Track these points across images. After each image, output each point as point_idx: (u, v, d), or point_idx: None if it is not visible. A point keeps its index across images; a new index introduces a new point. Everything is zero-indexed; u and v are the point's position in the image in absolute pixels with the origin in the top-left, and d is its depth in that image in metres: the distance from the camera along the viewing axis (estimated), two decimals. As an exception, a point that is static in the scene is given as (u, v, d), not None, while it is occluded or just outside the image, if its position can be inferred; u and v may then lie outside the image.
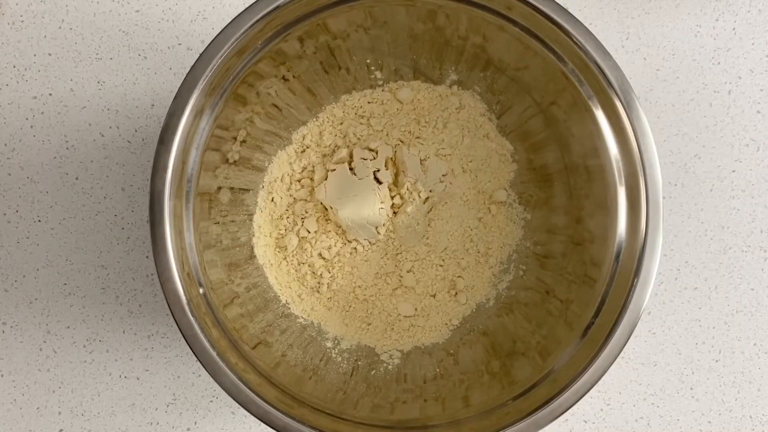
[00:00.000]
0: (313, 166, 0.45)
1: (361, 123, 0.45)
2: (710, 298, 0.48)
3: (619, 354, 0.35)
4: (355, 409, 0.39)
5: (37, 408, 0.47)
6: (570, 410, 0.35)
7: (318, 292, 0.45)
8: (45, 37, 0.47)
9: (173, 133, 0.35)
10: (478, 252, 0.45)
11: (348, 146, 0.45)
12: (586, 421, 0.47)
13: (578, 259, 0.41)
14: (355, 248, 0.45)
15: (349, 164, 0.44)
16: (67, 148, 0.47)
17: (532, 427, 0.35)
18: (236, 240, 0.43)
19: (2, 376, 0.47)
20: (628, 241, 0.37)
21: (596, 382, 0.35)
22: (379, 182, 0.44)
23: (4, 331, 0.47)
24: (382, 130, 0.45)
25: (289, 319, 0.44)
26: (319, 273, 0.44)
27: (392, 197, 0.45)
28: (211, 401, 0.47)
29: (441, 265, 0.45)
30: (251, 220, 0.44)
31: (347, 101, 0.45)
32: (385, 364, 0.44)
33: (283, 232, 0.44)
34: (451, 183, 0.45)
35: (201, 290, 0.37)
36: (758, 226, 0.48)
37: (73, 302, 0.47)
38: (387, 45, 0.43)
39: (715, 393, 0.47)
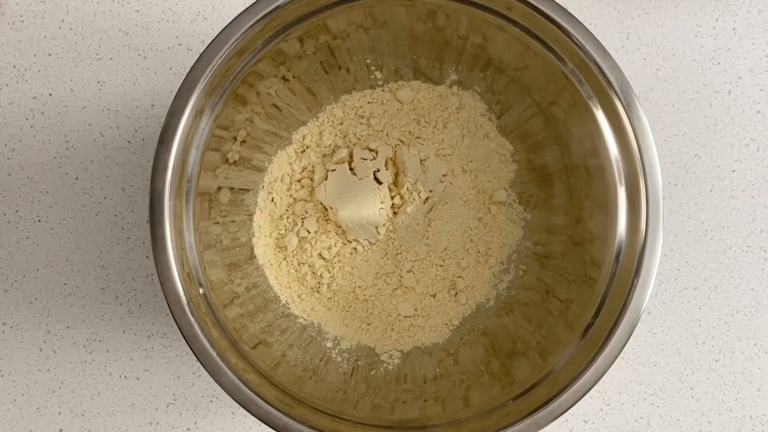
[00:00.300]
0: (313, 166, 0.45)
1: (361, 123, 0.45)
2: (710, 298, 0.48)
3: (619, 354, 0.35)
4: (355, 409, 0.39)
5: (37, 408, 0.47)
6: (570, 410, 0.35)
7: (318, 292, 0.45)
8: (45, 37, 0.47)
9: (173, 133, 0.35)
10: (478, 252, 0.45)
11: (348, 146, 0.45)
12: (586, 421, 0.47)
13: (578, 259, 0.41)
14: (355, 248, 0.45)
15: (349, 164, 0.44)
16: (67, 148, 0.47)
17: (532, 427, 0.35)
18: (236, 240, 0.43)
19: (2, 376, 0.47)
20: (628, 241, 0.37)
21: (596, 382, 0.35)
22: (379, 182, 0.44)
23: (4, 331, 0.47)
24: (382, 130, 0.45)
25: (289, 319, 0.44)
26: (319, 273, 0.44)
27: (392, 197, 0.45)
28: (211, 401, 0.47)
29: (441, 265, 0.45)
30: (251, 220, 0.44)
31: (347, 101, 0.45)
32: (385, 364, 0.44)
33: (283, 232, 0.44)
34: (451, 183, 0.45)
35: (201, 290, 0.37)
36: (758, 226, 0.48)
37: (73, 302, 0.47)
38: (387, 45, 0.43)
39: (715, 393, 0.47)
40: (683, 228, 0.48)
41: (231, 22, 0.35)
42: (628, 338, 0.36)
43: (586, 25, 0.36)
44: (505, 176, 0.45)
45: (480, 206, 0.45)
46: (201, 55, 0.35)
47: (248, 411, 0.35)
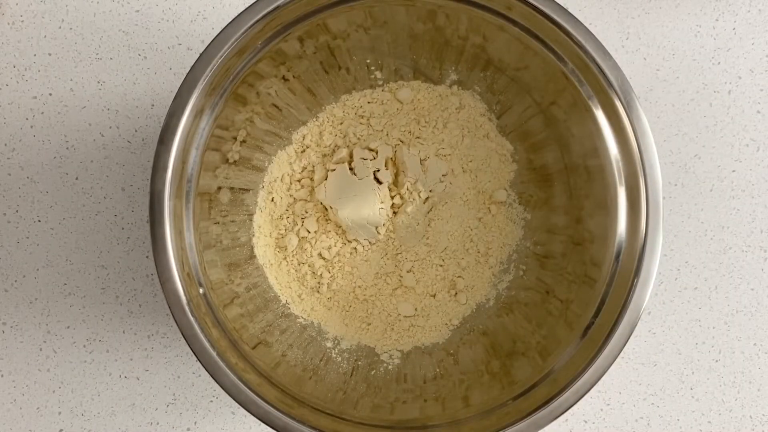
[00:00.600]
0: (313, 166, 0.45)
1: (361, 123, 0.45)
2: (710, 298, 0.48)
3: (619, 354, 0.35)
4: (355, 409, 0.39)
5: (37, 408, 0.47)
6: (570, 410, 0.35)
7: (318, 292, 0.45)
8: (45, 37, 0.47)
9: (173, 133, 0.35)
10: (478, 252, 0.45)
11: (348, 146, 0.45)
12: (586, 421, 0.47)
13: (578, 259, 0.41)
14: (355, 248, 0.45)
15: (349, 164, 0.44)
16: (67, 148, 0.47)
17: (532, 427, 0.35)
18: (236, 240, 0.43)
19: (2, 376, 0.47)
20: (628, 241, 0.37)
21: (596, 382, 0.35)
22: (379, 182, 0.44)
23: (4, 331, 0.47)
24: (382, 130, 0.45)
25: (289, 319, 0.44)
26: (319, 273, 0.44)
27: (392, 197, 0.45)
28: (211, 401, 0.47)
29: (441, 265, 0.45)
30: (251, 220, 0.44)
31: (347, 101, 0.45)
32: (385, 364, 0.44)
33: (283, 232, 0.44)
34: (451, 183, 0.45)
35: (201, 290, 0.37)
36: (758, 226, 0.48)
37: (73, 302, 0.47)
38: (387, 45, 0.43)
39: (715, 393, 0.47)
40: (683, 228, 0.48)
41: (231, 22, 0.35)
42: (628, 338, 0.36)
43: (586, 25, 0.36)
44: (505, 176, 0.45)
45: (480, 206, 0.45)
46: (201, 55, 0.35)
47: (248, 411, 0.35)
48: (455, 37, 0.41)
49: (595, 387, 0.35)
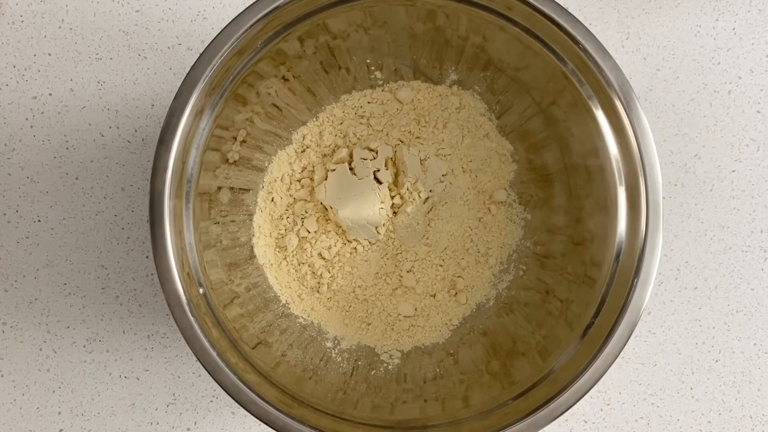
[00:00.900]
0: (313, 166, 0.45)
1: (361, 123, 0.45)
2: (710, 298, 0.48)
3: (619, 354, 0.35)
4: (355, 409, 0.39)
5: (37, 408, 0.47)
6: (570, 410, 0.35)
7: (318, 292, 0.45)
8: (45, 37, 0.47)
9: (173, 133, 0.35)
10: (478, 252, 0.45)
11: (348, 146, 0.45)
12: (586, 421, 0.47)
13: (578, 259, 0.41)
14: (355, 248, 0.45)
15: (349, 164, 0.44)
16: (67, 148, 0.47)
17: (532, 427, 0.35)
18: (236, 240, 0.43)
19: (2, 376, 0.47)
20: (628, 241, 0.37)
21: (596, 382, 0.35)
22: (379, 182, 0.44)
23: (4, 331, 0.47)
24: (382, 130, 0.45)
25: (289, 319, 0.44)
26: (319, 273, 0.44)
27: (392, 197, 0.45)
28: (211, 401, 0.47)
29: (441, 265, 0.45)
30: (251, 220, 0.44)
31: (347, 101, 0.45)
32: (385, 364, 0.44)
33: (283, 232, 0.44)
34: (451, 183, 0.45)
35: (201, 290, 0.37)
36: (758, 226, 0.48)
37: (73, 302, 0.47)
38: (387, 45, 0.43)
39: (715, 393, 0.47)
40: (683, 228, 0.48)
41: (231, 21, 0.35)
42: (628, 338, 0.36)
43: (586, 25, 0.36)
44: (505, 176, 0.45)
45: (480, 206, 0.45)
46: (201, 54, 0.35)
47: (248, 411, 0.35)
48: (455, 37, 0.41)
49: (595, 387, 0.35)
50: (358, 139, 0.45)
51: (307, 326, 0.44)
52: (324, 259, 0.44)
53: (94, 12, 0.47)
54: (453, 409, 0.39)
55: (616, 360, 0.35)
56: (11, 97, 0.47)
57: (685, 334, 0.47)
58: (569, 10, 0.36)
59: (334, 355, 0.44)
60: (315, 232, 0.44)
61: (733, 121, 0.48)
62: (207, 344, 0.35)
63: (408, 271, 0.45)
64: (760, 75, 0.48)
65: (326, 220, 0.44)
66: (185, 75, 0.35)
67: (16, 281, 0.47)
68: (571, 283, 0.41)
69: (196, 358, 0.35)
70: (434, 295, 0.45)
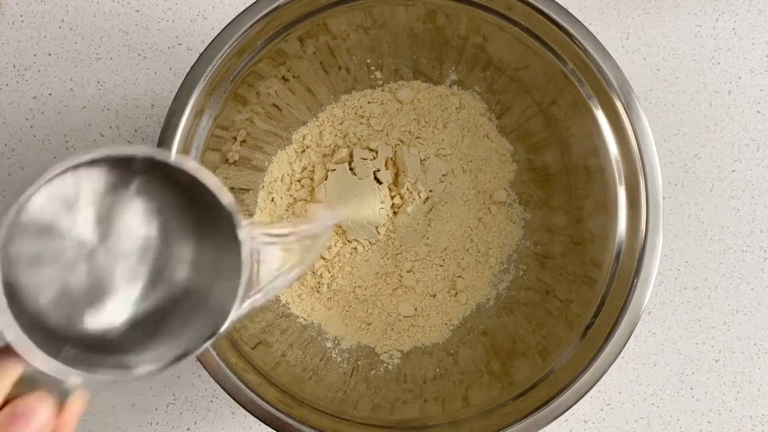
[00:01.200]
0: (313, 166, 0.45)
1: (361, 123, 0.45)
2: (710, 298, 0.48)
3: (619, 354, 0.35)
4: (355, 409, 0.39)
5: (37, 408, 0.47)
6: (570, 410, 0.35)
7: (318, 292, 0.45)
8: (45, 37, 0.47)
9: (173, 133, 0.35)
10: (478, 252, 0.45)
11: (348, 146, 0.45)
12: (586, 421, 0.47)
13: (578, 259, 0.41)
14: (355, 248, 0.45)
15: (349, 164, 0.44)
16: (67, 148, 0.47)
17: (532, 427, 0.35)
18: (236, 240, 0.43)
19: (2, 376, 0.47)
20: (628, 241, 0.37)
21: (596, 382, 0.35)
22: (379, 182, 0.44)
23: (4, 331, 0.47)
24: (382, 130, 0.45)
25: (289, 319, 0.44)
26: (319, 273, 0.44)
27: (392, 197, 0.45)
28: (211, 401, 0.47)
29: (441, 265, 0.45)
30: (251, 220, 0.44)
31: (347, 101, 0.45)
32: (385, 364, 0.44)
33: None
34: (451, 183, 0.45)
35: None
36: (758, 226, 0.48)
37: (73, 302, 0.47)
38: (387, 45, 0.43)
39: (715, 393, 0.47)
40: (683, 228, 0.48)
41: (231, 22, 0.35)
42: (628, 338, 0.36)
43: (586, 25, 0.36)
44: (505, 176, 0.45)
45: (480, 206, 0.45)
46: (201, 55, 0.35)
47: (248, 411, 0.35)
48: (455, 37, 0.41)
49: (595, 387, 0.35)
50: (358, 139, 0.45)
51: (307, 326, 0.44)
52: (324, 259, 0.44)
53: (94, 12, 0.47)
54: (453, 409, 0.39)
55: (616, 360, 0.35)
56: (11, 97, 0.47)
57: (685, 334, 0.47)
58: (569, 10, 0.36)
59: (334, 355, 0.44)
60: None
61: (733, 121, 0.48)
62: (207, 344, 0.35)
63: (408, 271, 0.45)
64: (760, 75, 0.48)
65: (326, 220, 0.45)
66: (185, 75, 0.35)
67: (16, 281, 0.47)
68: (571, 283, 0.41)
69: (195, 358, 0.35)
70: (434, 295, 0.45)
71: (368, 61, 0.44)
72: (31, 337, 0.21)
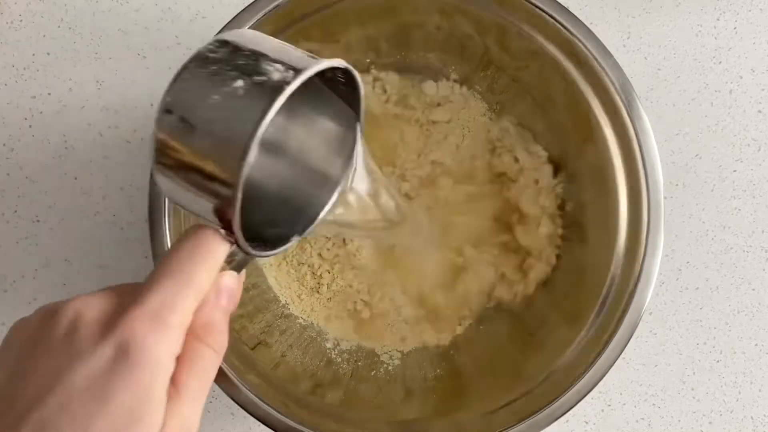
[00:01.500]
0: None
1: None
2: (711, 298, 0.47)
3: (620, 354, 0.35)
4: (356, 410, 0.39)
5: (36, 408, 0.47)
6: (571, 411, 0.35)
7: (318, 292, 0.44)
8: (44, 36, 0.47)
9: (172, 133, 0.35)
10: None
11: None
12: (587, 422, 0.47)
13: (578, 259, 0.41)
14: (355, 249, 0.45)
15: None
16: (66, 148, 0.46)
17: (532, 427, 0.35)
18: (236, 240, 0.43)
19: (1, 376, 0.47)
20: (629, 241, 0.37)
21: (597, 382, 0.35)
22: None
23: (3, 332, 0.47)
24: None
25: (289, 320, 0.44)
26: (318, 273, 0.44)
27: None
28: (211, 402, 0.47)
29: (443, 267, 0.45)
30: (251, 220, 0.44)
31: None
32: (385, 365, 0.44)
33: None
34: (454, 183, 0.45)
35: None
36: (759, 226, 0.48)
37: (73, 302, 0.47)
38: (387, 44, 0.43)
39: (717, 394, 0.47)
40: (684, 228, 0.47)
41: (230, 21, 0.35)
42: (629, 339, 0.35)
43: (587, 24, 0.36)
44: (505, 176, 0.45)
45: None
46: (200, 54, 0.35)
47: (248, 412, 0.35)
48: (456, 37, 0.41)
49: (596, 388, 0.35)
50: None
51: (306, 327, 0.44)
52: (324, 259, 0.44)
53: (93, 11, 0.47)
54: (453, 409, 0.39)
55: (617, 360, 0.35)
56: (10, 96, 0.46)
57: (686, 334, 0.47)
58: (570, 10, 0.36)
59: (334, 356, 0.44)
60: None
61: (734, 121, 0.48)
62: (206, 345, 0.35)
63: (409, 273, 0.45)
64: (762, 74, 0.48)
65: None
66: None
67: (15, 281, 0.47)
68: (571, 283, 0.41)
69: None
70: (436, 296, 0.45)
71: (368, 60, 0.44)
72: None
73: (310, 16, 0.38)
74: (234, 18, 0.35)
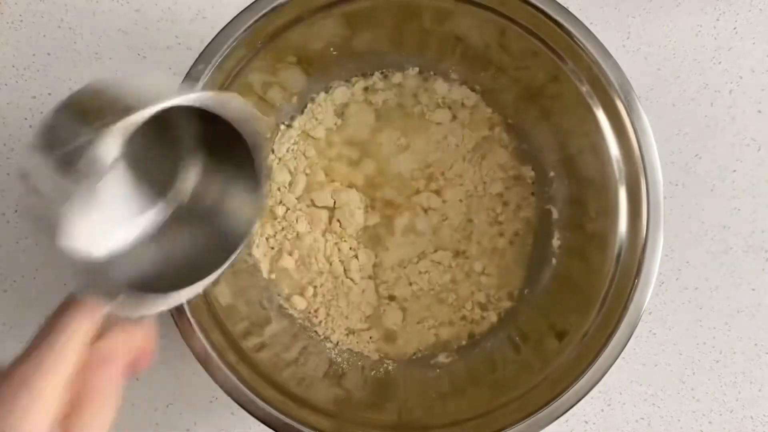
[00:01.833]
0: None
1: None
2: (711, 298, 0.47)
3: (619, 354, 0.35)
4: (356, 410, 0.39)
5: (37, 408, 0.47)
6: (570, 411, 0.35)
7: (318, 293, 0.44)
8: (44, 36, 0.47)
9: (173, 133, 0.35)
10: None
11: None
12: (586, 422, 0.47)
13: (578, 258, 0.41)
14: (357, 251, 0.45)
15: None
16: (67, 148, 0.46)
17: (532, 427, 0.35)
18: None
19: (2, 376, 0.47)
20: (629, 241, 0.37)
21: (597, 382, 0.35)
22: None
23: (3, 332, 0.47)
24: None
25: (289, 320, 0.44)
26: (319, 274, 0.44)
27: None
28: (211, 401, 0.47)
29: (443, 270, 0.45)
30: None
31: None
32: (385, 365, 0.44)
33: (280, 231, 0.44)
34: (462, 184, 0.45)
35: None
36: (759, 226, 0.48)
37: (73, 302, 0.47)
38: (387, 44, 0.43)
39: (716, 393, 0.47)
40: (684, 228, 0.47)
41: (231, 21, 0.35)
42: (629, 338, 0.35)
43: (587, 24, 0.36)
44: (505, 176, 0.45)
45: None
46: (201, 54, 0.35)
47: (248, 411, 0.35)
48: (455, 37, 0.41)
49: (595, 387, 0.35)
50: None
51: (306, 327, 0.44)
52: (324, 259, 0.44)
53: (94, 11, 0.47)
54: (453, 409, 0.39)
55: (617, 360, 0.35)
56: (10, 96, 0.47)
57: (686, 334, 0.47)
58: (570, 10, 0.36)
59: (334, 356, 0.44)
60: (309, 232, 0.44)
61: (734, 121, 0.48)
62: (207, 344, 0.35)
63: (410, 273, 0.45)
64: (762, 74, 0.48)
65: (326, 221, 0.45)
66: (185, 74, 0.35)
67: (15, 281, 0.47)
68: (571, 283, 0.41)
69: (195, 358, 0.35)
70: (436, 297, 0.45)
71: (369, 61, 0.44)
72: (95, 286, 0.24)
73: (310, 17, 0.38)
74: (234, 18, 0.35)
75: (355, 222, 0.44)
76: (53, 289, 0.47)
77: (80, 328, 0.26)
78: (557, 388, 0.36)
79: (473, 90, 0.45)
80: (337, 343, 0.44)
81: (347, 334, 0.44)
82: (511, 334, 0.43)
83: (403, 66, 0.44)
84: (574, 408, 0.35)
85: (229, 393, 0.35)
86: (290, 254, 0.44)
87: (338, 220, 0.44)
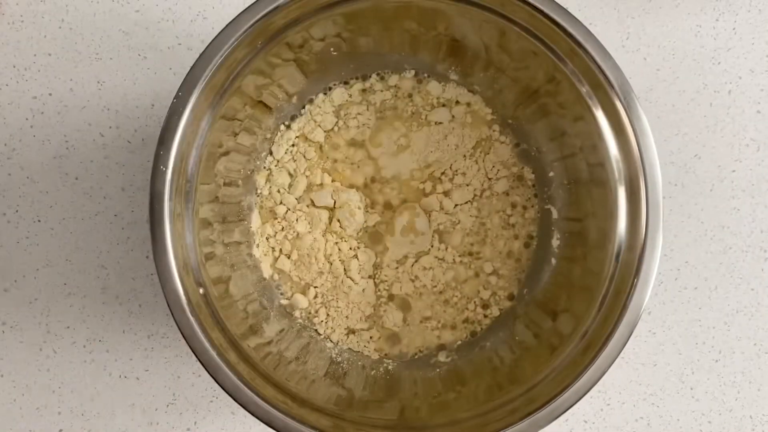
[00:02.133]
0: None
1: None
2: (710, 298, 0.48)
3: (619, 354, 0.35)
4: (356, 409, 0.39)
5: (37, 408, 0.47)
6: (570, 410, 0.35)
7: (318, 293, 0.45)
8: (45, 36, 0.47)
9: (173, 133, 0.35)
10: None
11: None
12: (586, 422, 0.47)
13: (578, 259, 0.41)
14: (357, 251, 0.45)
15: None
16: (67, 148, 0.47)
17: (532, 427, 0.35)
18: (236, 240, 0.43)
19: (2, 376, 0.47)
20: (628, 241, 0.37)
21: (596, 382, 0.35)
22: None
23: (3, 332, 0.47)
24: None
25: (289, 320, 0.44)
26: (320, 274, 0.44)
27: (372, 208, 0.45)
28: (211, 401, 0.47)
29: (443, 271, 0.45)
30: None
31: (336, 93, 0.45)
32: (385, 365, 0.44)
33: (280, 231, 0.44)
34: (468, 185, 0.45)
35: (201, 290, 0.37)
36: (758, 226, 0.48)
37: (73, 302, 0.47)
38: (387, 44, 0.43)
39: (715, 393, 0.47)
40: (683, 228, 0.48)
41: (231, 21, 0.35)
42: (628, 338, 0.35)
43: (586, 25, 0.36)
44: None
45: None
46: (201, 54, 0.35)
47: (248, 411, 0.35)
48: (455, 37, 0.41)
49: (595, 387, 0.35)
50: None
51: (306, 326, 0.44)
52: (324, 259, 0.44)
53: (94, 12, 0.47)
54: (453, 408, 0.39)
55: (616, 360, 0.35)
56: (11, 97, 0.47)
57: (685, 334, 0.47)
58: (569, 10, 0.36)
59: (334, 356, 0.44)
60: (309, 232, 0.44)
61: (733, 121, 0.48)
62: (207, 344, 0.35)
63: (410, 274, 0.45)
64: (761, 75, 0.48)
65: (326, 221, 0.45)
66: (185, 75, 0.35)
67: (15, 281, 0.47)
68: (571, 282, 0.41)
69: (196, 358, 0.35)
70: (437, 298, 0.45)
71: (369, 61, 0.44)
72: None
73: (310, 17, 0.38)
74: (234, 18, 0.35)
75: (355, 222, 0.44)
76: (54, 289, 0.47)
77: None
78: (557, 388, 0.36)
79: (472, 91, 0.45)
80: (338, 342, 0.44)
81: (347, 334, 0.44)
82: (511, 333, 0.43)
83: (402, 67, 0.44)
84: (574, 407, 0.35)
85: (230, 392, 0.35)
86: (290, 254, 0.44)
87: (338, 220, 0.44)
